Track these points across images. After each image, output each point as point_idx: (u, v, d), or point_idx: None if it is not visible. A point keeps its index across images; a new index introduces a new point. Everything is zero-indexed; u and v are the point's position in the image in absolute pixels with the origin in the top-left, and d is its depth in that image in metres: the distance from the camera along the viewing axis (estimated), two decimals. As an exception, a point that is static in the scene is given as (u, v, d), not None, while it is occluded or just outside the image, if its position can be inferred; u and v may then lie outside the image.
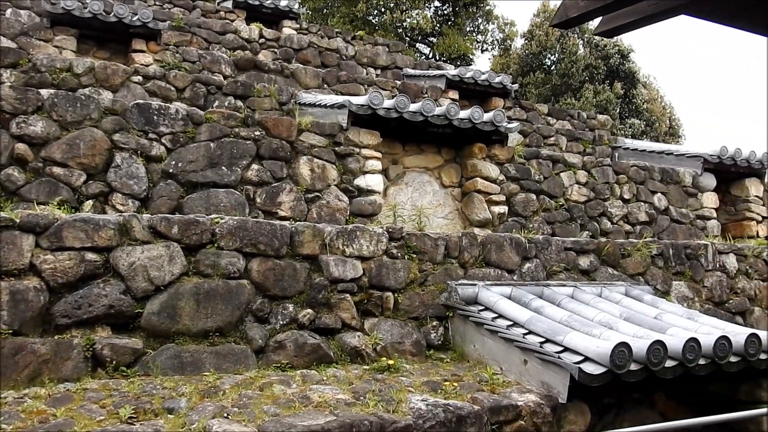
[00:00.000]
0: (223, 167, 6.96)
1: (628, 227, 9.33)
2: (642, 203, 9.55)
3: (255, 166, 7.14)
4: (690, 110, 44.34)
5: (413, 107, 7.87)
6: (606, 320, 5.26)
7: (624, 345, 4.31)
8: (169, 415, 3.72)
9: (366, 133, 7.84)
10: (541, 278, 6.17)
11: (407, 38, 23.49)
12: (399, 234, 5.63)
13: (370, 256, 5.43)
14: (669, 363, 4.56)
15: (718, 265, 7.21)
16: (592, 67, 20.63)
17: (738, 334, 4.96)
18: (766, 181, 10.69)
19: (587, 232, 8.91)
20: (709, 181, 10.11)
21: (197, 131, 6.99)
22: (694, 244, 7.17)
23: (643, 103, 21.37)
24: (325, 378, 4.58)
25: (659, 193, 9.75)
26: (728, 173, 10.27)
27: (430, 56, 23.46)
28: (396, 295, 5.46)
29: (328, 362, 4.94)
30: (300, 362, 4.84)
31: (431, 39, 23.89)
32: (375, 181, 7.76)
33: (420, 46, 24.98)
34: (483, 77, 12.64)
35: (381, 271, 5.42)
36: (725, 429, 5.28)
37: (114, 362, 4.29)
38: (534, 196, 8.73)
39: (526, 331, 4.99)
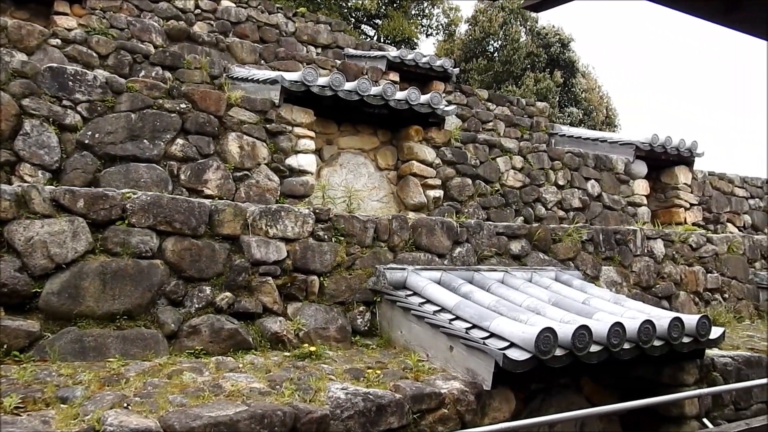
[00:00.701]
0: (145, 140, 6.56)
1: (561, 213, 9.38)
2: (576, 189, 9.61)
3: (180, 141, 6.75)
4: (626, 100, 45.54)
5: (349, 86, 7.63)
6: (534, 305, 5.20)
7: (549, 330, 4.23)
8: (61, 405, 3.41)
9: (299, 110, 7.54)
10: (472, 263, 6.07)
11: (352, 19, 23.09)
12: (326, 215, 5.40)
13: (295, 237, 5.19)
14: (594, 348, 4.52)
15: (646, 251, 7.29)
16: (534, 55, 20.77)
17: (662, 318, 4.98)
18: (694, 168, 10.95)
19: (522, 217, 8.90)
20: (641, 168, 10.27)
21: (117, 101, 6.54)
22: (623, 229, 7.23)
23: (582, 93, 21.69)
24: (241, 365, 4.33)
25: (593, 180, 9.85)
26: (659, 161, 10.46)
27: (375, 38, 23.14)
28: (322, 279, 5.25)
29: (247, 349, 4.69)
30: (216, 348, 4.58)
31: (376, 21, 23.56)
32: (307, 161, 7.49)
33: (365, 27, 24.61)
34: (424, 60, 12.48)
35: (306, 254, 5.19)
36: (649, 411, 5.34)
37: (5, 346, 3.93)
38: (470, 181, 8.65)
39: (454, 317, 4.87)
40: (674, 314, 5.15)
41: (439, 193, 8.34)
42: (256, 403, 3.68)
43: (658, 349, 4.88)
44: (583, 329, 4.38)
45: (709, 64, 50.33)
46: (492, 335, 4.52)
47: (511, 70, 20.77)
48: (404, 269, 5.50)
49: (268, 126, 7.31)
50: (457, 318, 4.85)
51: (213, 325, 4.60)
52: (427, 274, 5.56)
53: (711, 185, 11.21)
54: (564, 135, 11.50)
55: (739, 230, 11.29)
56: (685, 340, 5.03)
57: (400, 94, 7.99)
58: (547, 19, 22.48)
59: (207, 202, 4.93)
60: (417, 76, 12.64)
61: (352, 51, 13.53)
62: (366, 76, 7.75)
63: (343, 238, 5.45)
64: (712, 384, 5.51)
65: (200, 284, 4.72)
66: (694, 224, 10.64)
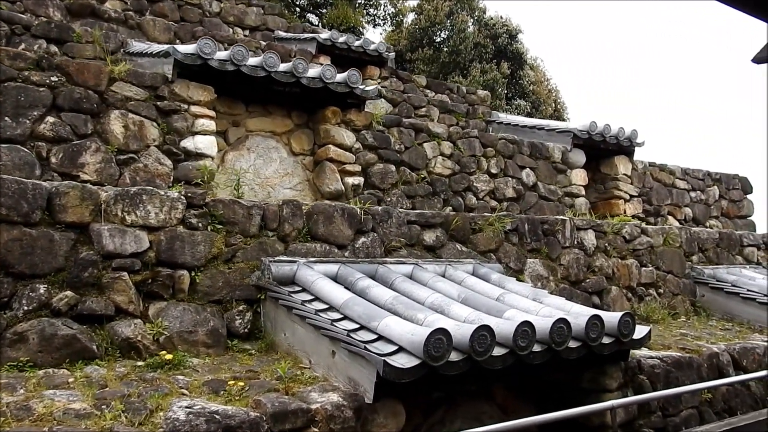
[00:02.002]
0: (7, 118, 5.67)
1: (494, 203, 8.80)
2: (510, 178, 9.05)
3: (50, 119, 5.88)
4: (579, 96, 45.66)
5: (254, 61, 6.87)
6: (439, 302, 4.56)
7: (442, 332, 3.58)
8: None
9: (197, 87, 6.74)
10: (378, 255, 5.40)
11: (296, 7, 22.24)
12: (201, 200, 4.65)
13: (160, 225, 4.43)
14: (498, 351, 3.90)
15: (576, 242, 6.75)
16: (481, 45, 20.25)
17: (580, 316, 4.40)
18: (635, 159, 10.53)
19: (450, 207, 8.28)
20: (579, 157, 9.78)
21: (-28, 73, 5.66)
22: (551, 219, 6.67)
23: (530, 85, 21.29)
24: (72, 380, 3.56)
25: (528, 169, 9.30)
26: (598, 150, 9.98)
27: (319, 27, 22.33)
28: (194, 274, 4.50)
29: (90, 358, 3.92)
30: (47, 359, 3.79)
31: (321, 10, 22.76)
32: (206, 144, 6.70)
33: (310, 16, 23.80)
34: (357, 43, 11.80)
35: (174, 245, 4.44)
36: (568, 422, 4.75)
37: None
38: (393, 168, 7.98)
39: (342, 317, 4.18)
40: (594, 312, 4.58)
41: (358, 180, 7.65)
42: (65, 429, 2.92)
43: (575, 351, 4.29)
44: (484, 330, 3.75)
45: (671, 61, 51.03)
46: (380, 338, 3.85)
47: (458, 61, 20.22)
48: (295, 262, 4.80)
49: (159, 103, 6.50)
50: (345, 318, 4.17)
51: (44, 331, 3.81)
52: (322, 267, 4.87)
53: (652, 176, 10.81)
54: (501, 122, 10.95)
55: (680, 223, 10.93)
56: (606, 340, 4.46)
57: (313, 72, 7.28)
58: (495, 9, 22.04)
59: (46, 183, 4.13)
60: (350, 60, 11.92)
61: (282, 34, 12.75)
62: (272, 52, 7.01)
63: (222, 227, 4.71)
64: (638, 389, 4.96)
65: (33, 282, 3.92)
66: (634, 216, 10.20)
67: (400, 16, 23.50)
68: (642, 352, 5.27)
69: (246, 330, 4.59)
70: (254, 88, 7.19)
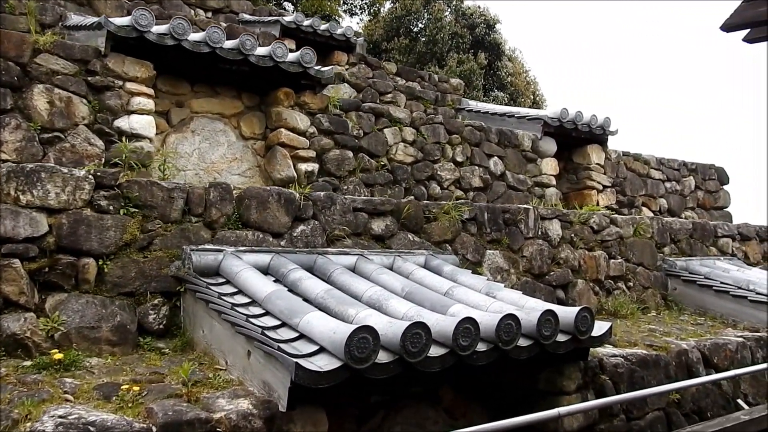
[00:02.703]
0: None
1: (460, 193, 8.37)
2: (477, 167, 8.61)
3: (-37, 94, 5.35)
4: (559, 87, 45.32)
5: (197, 36, 6.36)
6: (377, 297, 4.10)
7: (367, 330, 3.12)
8: None
9: (134, 63, 6.21)
10: (319, 244, 4.93)
11: (272, -5, 21.65)
12: (112, 180, 4.15)
13: (62, 207, 3.92)
14: (437, 351, 3.45)
15: (540, 233, 6.32)
16: (458, 35, 19.82)
17: (533, 311, 3.96)
18: (608, 148, 10.14)
19: (412, 197, 7.83)
20: (550, 145, 9.37)
21: None
22: (513, 208, 6.24)
23: (508, 76, 20.90)
24: (-65, 383, 3.05)
25: (496, 157, 8.87)
26: (570, 138, 9.58)
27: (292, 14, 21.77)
28: (102, 263, 4.00)
29: (-33, 358, 3.41)
30: None
31: (297, -3, 22.19)
32: (142, 124, 6.17)
33: (285, 3, 23.23)
34: (323, 27, 11.31)
35: (78, 229, 3.93)
36: (521, 429, 4.33)
37: None
38: (351, 154, 7.51)
39: (264, 312, 3.71)
40: (549, 306, 4.15)
41: (312, 166, 7.17)
42: None
43: (526, 350, 3.85)
44: (418, 328, 3.29)
45: (651, 59, 50.95)
46: (302, 336, 3.39)
47: (434, 51, 19.77)
48: (221, 251, 4.31)
49: (90, 79, 5.96)
50: (268, 313, 3.70)
51: None
52: (252, 257, 4.39)
53: (626, 166, 10.43)
54: (471, 110, 10.51)
55: (655, 214, 10.57)
56: (562, 338, 4.02)
57: (263, 50, 6.78)
58: (473, -1, 21.57)
59: None
60: (316, 44, 11.30)
61: (247, 17, 12.19)
62: (217, 26, 6.50)
63: (137, 210, 4.21)
64: (599, 390, 4.55)
65: None
66: (607, 208, 9.83)
67: (377, 5, 23.00)
68: (605, 350, 4.86)
69: (161, 326, 4.10)
70: (200, 66, 6.69)
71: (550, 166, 9.36)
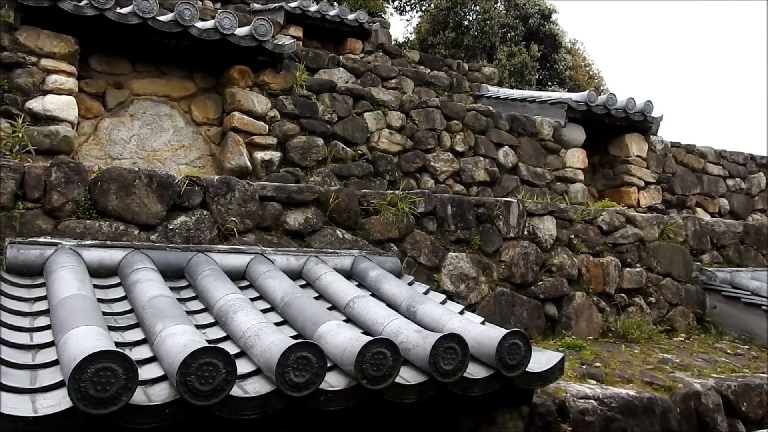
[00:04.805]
0: None
1: (460, 187, 7.15)
2: (481, 158, 7.35)
3: None
4: (633, 84, 42.31)
5: (126, 8, 5.56)
6: (228, 308, 3.03)
7: (113, 358, 2.07)
8: None
9: (50, 37, 5.45)
10: (206, 240, 3.92)
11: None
12: None
13: None
14: (255, 389, 2.35)
15: (525, 232, 5.05)
16: (509, 26, 18.42)
17: (429, 337, 2.77)
18: (652, 138, 8.60)
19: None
20: (576, 134, 7.97)
21: None
22: (490, 201, 4.99)
23: (566, 70, 19.26)
24: None
25: (506, 147, 7.57)
26: (603, 125, 8.13)
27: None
28: None
29: None
30: None
31: (341, -6, 21.47)
32: (59, 105, 5.39)
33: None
34: (333, 12, 10.41)
35: None
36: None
37: None
38: (321, 141, 6.46)
39: (45, 325, 2.74)
40: (454, 330, 2.95)
41: (271, 155, 6.19)
42: None
43: (412, 390, 2.67)
44: (213, 355, 2.21)
45: (736, 53, 47.00)
46: (49, 364, 2.38)
47: (483, 44, 18.46)
48: (55, 245, 3.39)
49: (-2, 54, 5.25)
50: (49, 327, 2.72)
51: None
52: (96, 253, 3.44)
53: (675, 159, 8.83)
54: (491, 96, 9.25)
55: (713, 217, 8.89)
56: (477, 373, 2.82)
57: (207, 23, 5.90)
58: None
59: None
60: (326, 32, 10.56)
61: (257, 6, 11.45)
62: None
63: (-52, 195, 3.35)
64: (555, 445, 3.28)
65: None
66: (650, 208, 8.31)
67: (427, 2, 21.92)
68: (574, 389, 3.57)
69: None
70: (139, 42, 5.87)
71: (576, 158, 7.96)
